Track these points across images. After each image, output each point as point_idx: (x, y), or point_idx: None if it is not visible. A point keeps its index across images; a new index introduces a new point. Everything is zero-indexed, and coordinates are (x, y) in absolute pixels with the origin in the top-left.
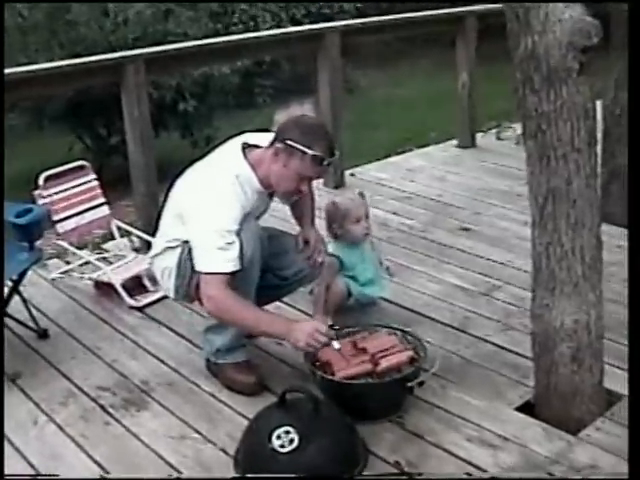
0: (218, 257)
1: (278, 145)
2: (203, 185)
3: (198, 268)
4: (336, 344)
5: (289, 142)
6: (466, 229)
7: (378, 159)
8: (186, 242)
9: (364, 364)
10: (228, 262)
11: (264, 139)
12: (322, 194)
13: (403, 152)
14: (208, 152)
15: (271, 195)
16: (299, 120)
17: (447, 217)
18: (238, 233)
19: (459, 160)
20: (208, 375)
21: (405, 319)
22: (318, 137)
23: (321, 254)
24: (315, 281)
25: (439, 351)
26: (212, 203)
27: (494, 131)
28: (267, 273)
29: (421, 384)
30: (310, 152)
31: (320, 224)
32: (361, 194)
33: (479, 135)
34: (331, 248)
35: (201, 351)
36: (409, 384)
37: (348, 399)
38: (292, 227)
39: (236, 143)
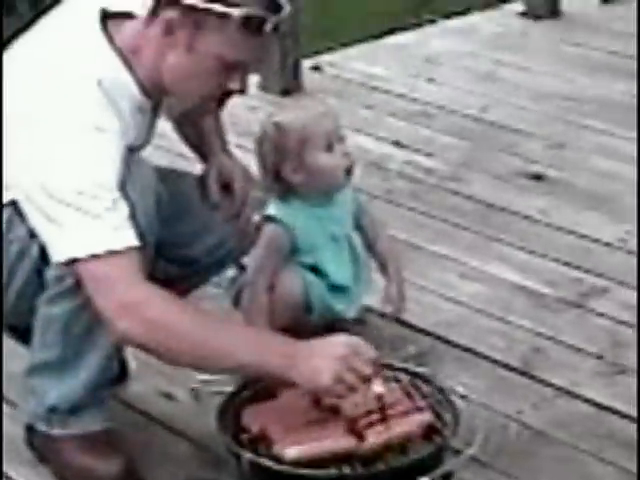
0: (105, 225)
1: (170, 13)
2: (34, 105)
3: (69, 253)
4: (378, 386)
5: (191, 2)
6: (537, 177)
7: (369, 37)
8: (13, 204)
9: (337, 437)
10: (124, 230)
11: None
12: (256, 106)
13: (416, 25)
14: (31, 24)
15: (156, 108)
16: None
17: (499, 152)
18: (123, 186)
19: (525, 42)
20: (30, 459)
21: (417, 349)
22: None
23: (254, 207)
24: (245, 266)
25: (482, 414)
26: (61, 137)
27: None
28: (157, 258)
29: (447, 479)
30: (237, 11)
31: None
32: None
33: None
34: (273, 210)
35: (16, 411)
36: (423, 479)
37: None
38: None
39: (87, 11)
